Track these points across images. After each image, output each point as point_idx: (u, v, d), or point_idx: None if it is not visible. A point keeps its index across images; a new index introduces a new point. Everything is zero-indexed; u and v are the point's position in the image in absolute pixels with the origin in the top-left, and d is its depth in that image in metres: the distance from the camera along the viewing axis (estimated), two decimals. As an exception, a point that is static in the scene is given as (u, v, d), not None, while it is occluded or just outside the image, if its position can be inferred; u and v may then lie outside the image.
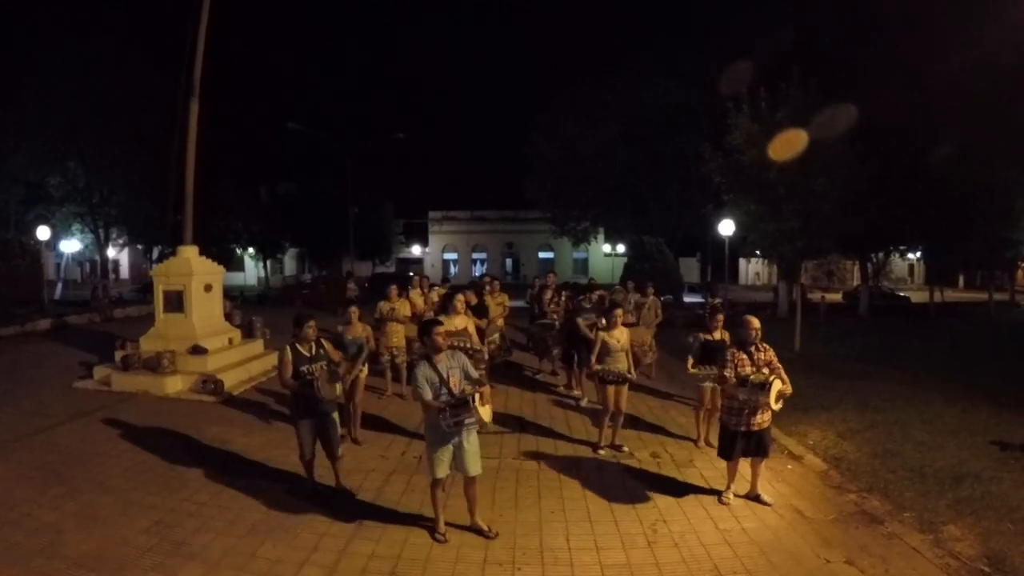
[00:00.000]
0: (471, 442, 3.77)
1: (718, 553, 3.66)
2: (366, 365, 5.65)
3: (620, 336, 5.39)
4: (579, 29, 64.96)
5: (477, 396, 3.63)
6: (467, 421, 3.62)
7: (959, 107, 13.70)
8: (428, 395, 3.69)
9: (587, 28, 61.35)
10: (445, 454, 3.73)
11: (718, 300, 6.77)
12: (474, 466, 3.77)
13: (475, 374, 3.89)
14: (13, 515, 4.01)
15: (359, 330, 5.81)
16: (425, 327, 3.92)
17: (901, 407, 6.98)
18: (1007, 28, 11.98)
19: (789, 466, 5.18)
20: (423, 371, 3.74)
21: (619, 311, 5.57)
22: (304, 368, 4.26)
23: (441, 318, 5.09)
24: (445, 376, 3.73)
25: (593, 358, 5.37)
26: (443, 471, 3.74)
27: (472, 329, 5.97)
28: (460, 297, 6.18)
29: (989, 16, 12.22)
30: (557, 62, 67.52)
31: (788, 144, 10.46)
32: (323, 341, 4.53)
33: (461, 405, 3.60)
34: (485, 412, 3.70)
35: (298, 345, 4.34)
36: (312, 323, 4.41)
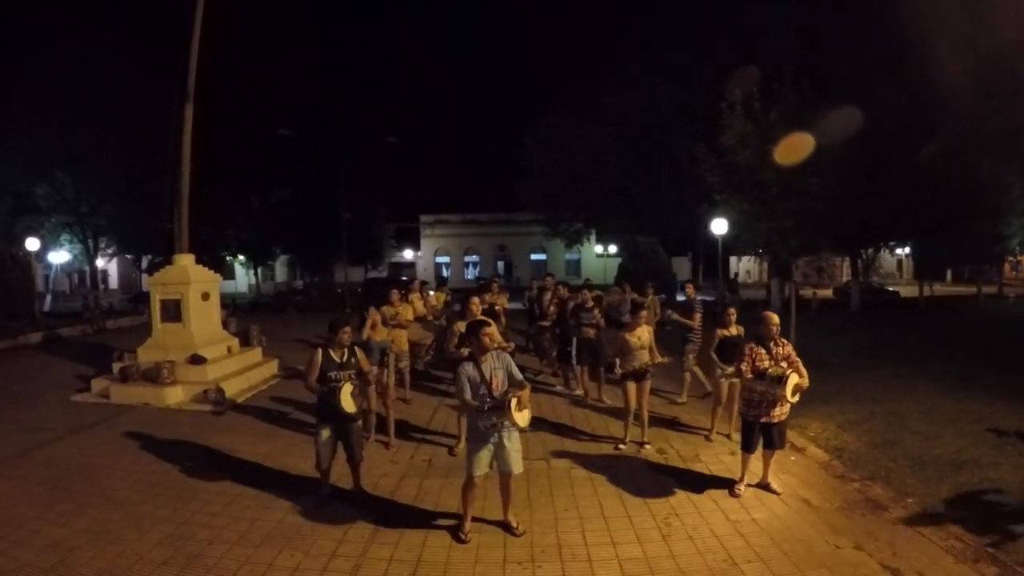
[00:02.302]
0: (512, 441, 3.78)
1: (731, 543, 3.73)
2: (389, 368, 5.68)
3: (642, 335, 5.52)
4: (572, 31, 65.14)
5: (514, 401, 3.62)
6: (503, 424, 3.65)
7: (948, 106, 13.95)
8: (467, 394, 3.72)
9: (580, 30, 61.51)
10: (485, 452, 3.75)
11: (696, 294, 7.19)
12: (515, 465, 3.79)
13: (519, 376, 3.87)
14: (21, 533, 3.93)
15: (383, 334, 5.87)
16: (472, 328, 3.93)
17: (898, 398, 7.11)
18: (996, 27, 12.22)
19: (792, 457, 5.27)
20: (466, 371, 3.77)
21: (644, 312, 5.69)
22: (332, 374, 4.26)
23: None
24: (488, 377, 3.75)
25: (616, 360, 5.50)
26: (480, 470, 3.76)
27: (492, 329, 6.09)
28: (475, 300, 6.28)
29: (978, 16, 12.45)
30: (549, 64, 67.71)
31: (782, 144, 10.62)
32: (356, 349, 4.52)
33: (497, 408, 3.63)
34: (522, 417, 3.69)
35: (331, 350, 4.34)
36: (348, 329, 4.40)
